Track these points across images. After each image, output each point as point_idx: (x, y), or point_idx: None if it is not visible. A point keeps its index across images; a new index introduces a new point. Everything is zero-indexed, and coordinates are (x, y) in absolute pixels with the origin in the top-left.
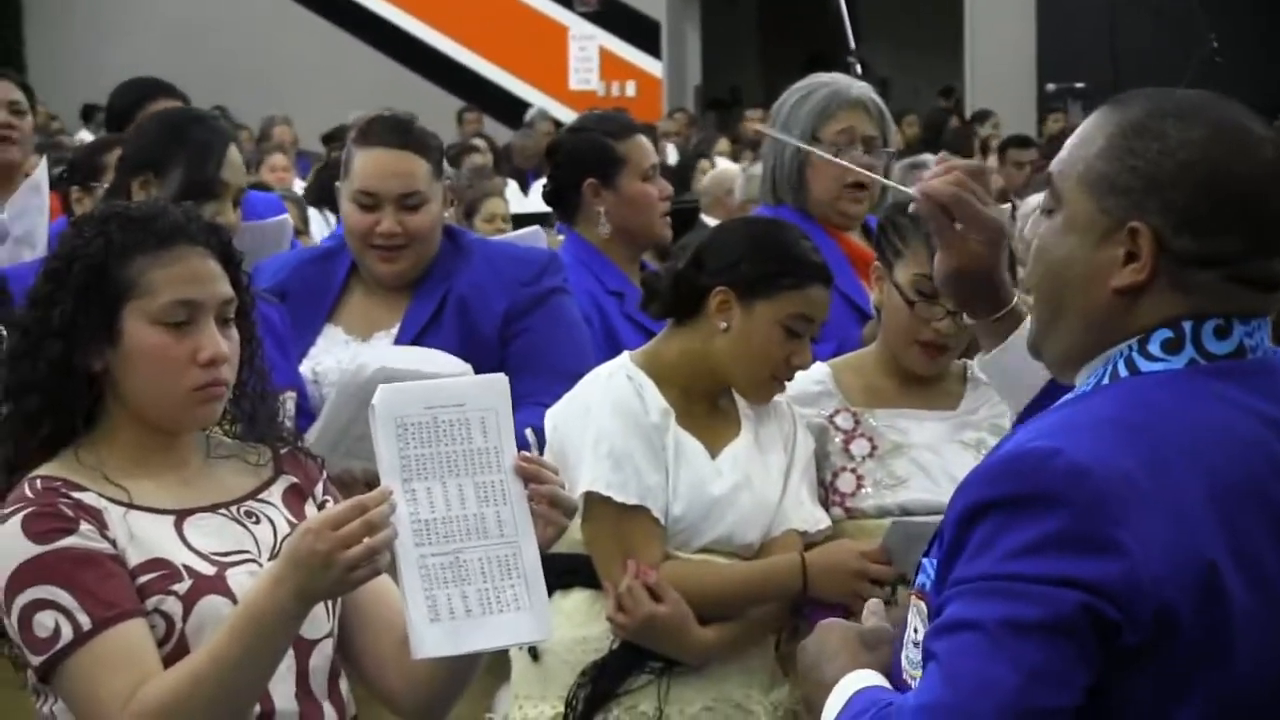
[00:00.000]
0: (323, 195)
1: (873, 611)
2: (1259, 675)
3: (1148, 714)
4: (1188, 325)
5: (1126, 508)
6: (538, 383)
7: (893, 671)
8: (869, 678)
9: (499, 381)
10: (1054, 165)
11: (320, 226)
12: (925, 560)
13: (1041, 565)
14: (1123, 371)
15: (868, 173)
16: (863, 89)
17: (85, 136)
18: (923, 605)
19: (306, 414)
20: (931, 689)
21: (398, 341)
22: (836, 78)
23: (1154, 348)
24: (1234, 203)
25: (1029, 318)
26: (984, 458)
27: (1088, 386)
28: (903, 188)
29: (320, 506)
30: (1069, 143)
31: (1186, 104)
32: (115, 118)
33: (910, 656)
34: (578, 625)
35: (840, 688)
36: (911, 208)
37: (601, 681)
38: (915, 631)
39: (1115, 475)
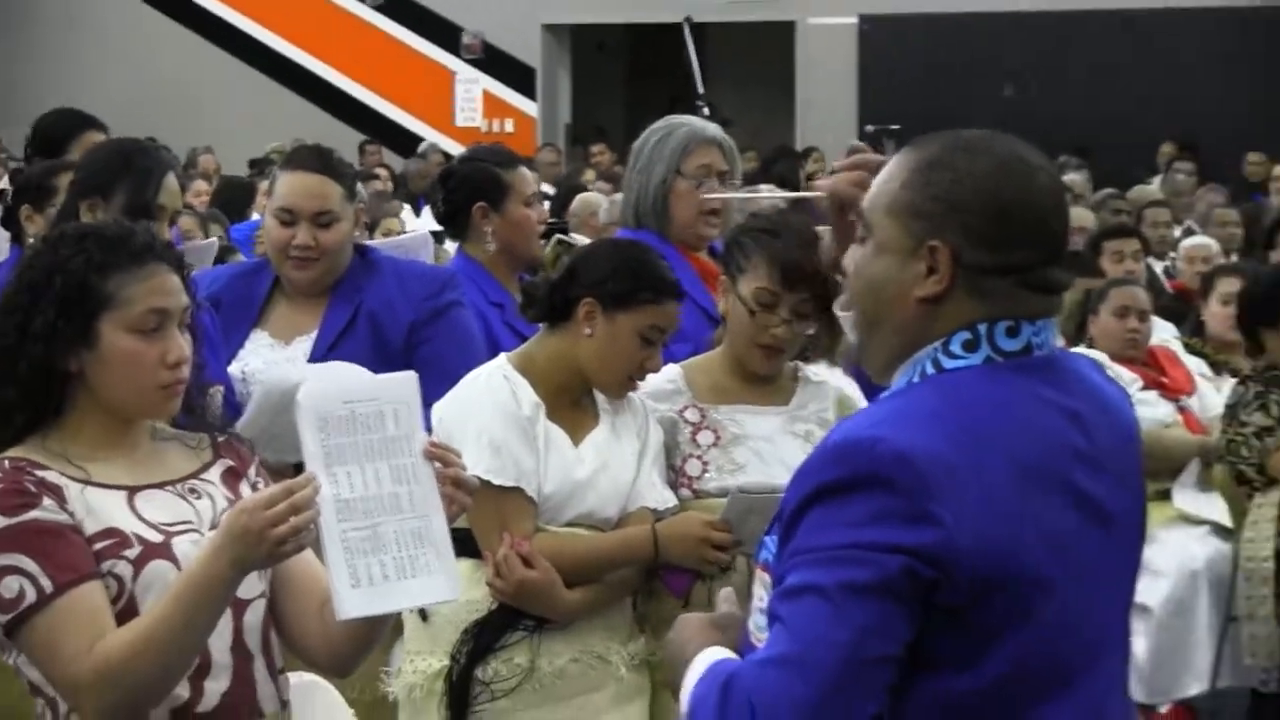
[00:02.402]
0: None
1: (725, 599)
2: (1060, 631)
3: (963, 662)
4: (983, 327)
5: (941, 486)
6: (439, 387)
7: (740, 644)
8: (720, 652)
9: (409, 378)
10: (865, 200)
11: None
12: (767, 538)
13: (871, 535)
14: (930, 370)
15: (772, 193)
16: (716, 129)
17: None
18: (766, 577)
19: (233, 406)
20: (777, 644)
21: (316, 345)
22: (692, 119)
23: (955, 347)
24: (1018, 221)
25: None
26: (815, 447)
27: (901, 385)
28: (807, 193)
29: (254, 487)
30: (876, 180)
31: (974, 141)
32: (47, 145)
33: (757, 621)
34: (462, 590)
35: (696, 663)
36: (816, 205)
37: (482, 638)
38: (760, 600)
39: (931, 458)
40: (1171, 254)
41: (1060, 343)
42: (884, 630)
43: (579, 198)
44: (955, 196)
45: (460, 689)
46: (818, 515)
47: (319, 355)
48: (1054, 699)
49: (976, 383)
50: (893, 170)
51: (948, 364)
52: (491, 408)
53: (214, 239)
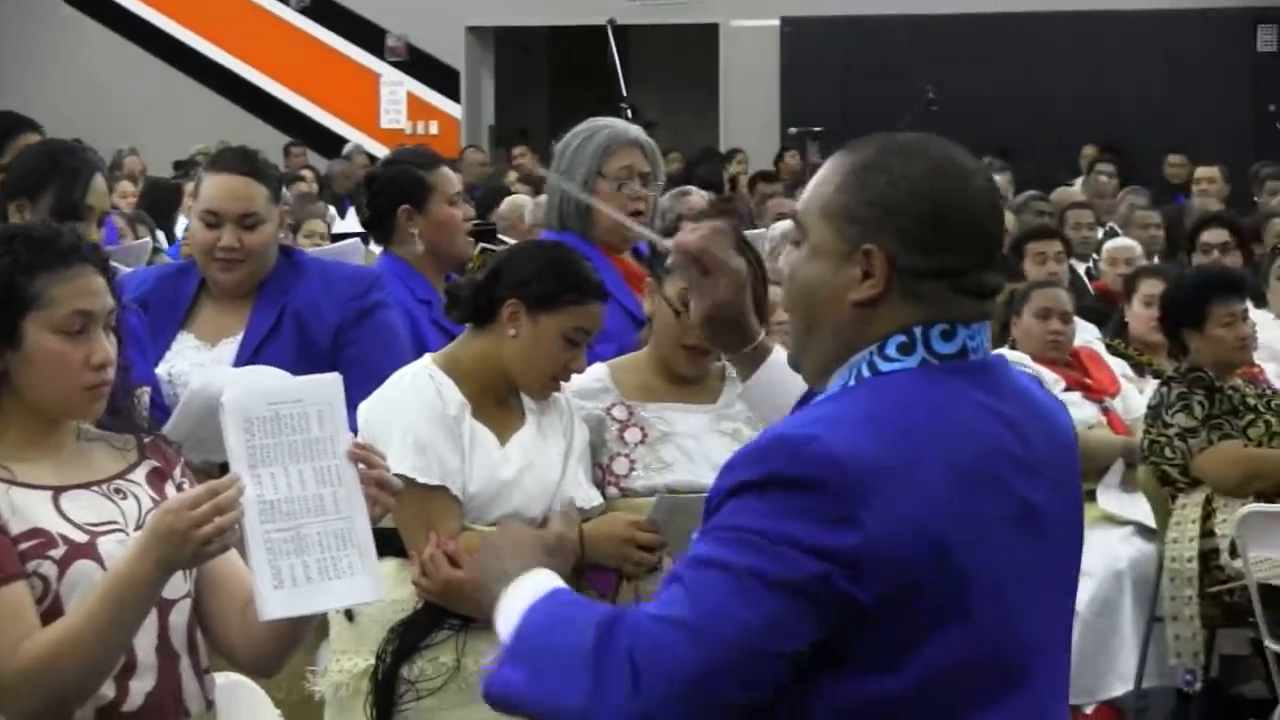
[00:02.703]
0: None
1: (558, 517)
2: (995, 633)
3: (877, 664)
4: (918, 330)
5: (869, 488)
6: (365, 388)
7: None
8: (554, 580)
9: (333, 380)
10: (799, 204)
11: None
12: (698, 534)
13: (791, 530)
14: (865, 373)
15: (643, 231)
16: (638, 131)
17: None
18: None
19: (160, 407)
20: (674, 604)
21: (242, 347)
22: (614, 121)
23: (890, 350)
24: (954, 225)
25: (776, 348)
26: (749, 441)
27: (836, 388)
28: (662, 240)
29: (179, 488)
30: (810, 184)
31: (909, 144)
32: None
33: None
34: (388, 589)
35: (523, 582)
36: (669, 260)
37: (408, 636)
38: None
39: (862, 461)
40: (1094, 255)
41: None
42: (782, 627)
43: (507, 200)
44: (890, 200)
45: (386, 688)
46: (743, 501)
47: (245, 357)
48: (991, 701)
49: (912, 386)
50: (827, 174)
51: (883, 367)
52: (417, 407)
53: (147, 239)
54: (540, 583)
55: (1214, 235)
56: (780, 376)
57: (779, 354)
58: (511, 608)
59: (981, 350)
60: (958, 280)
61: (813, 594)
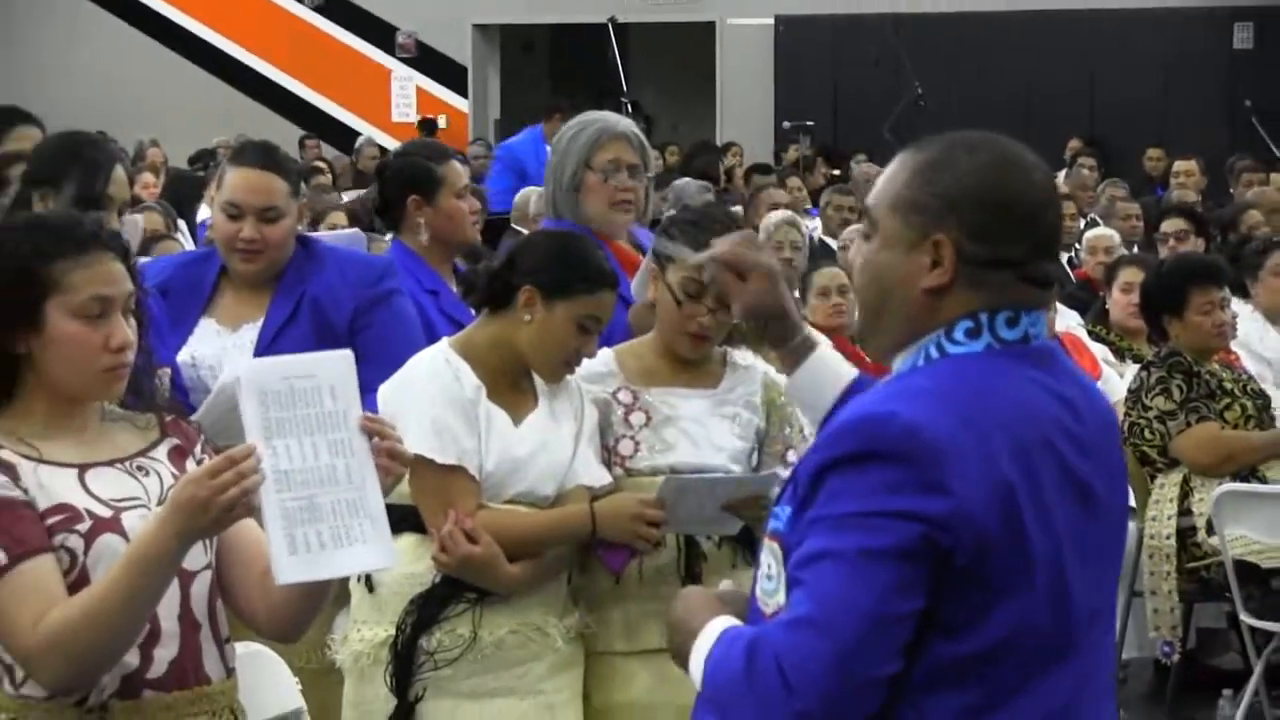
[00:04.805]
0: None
1: (726, 581)
2: (1052, 601)
3: (966, 626)
4: (984, 316)
5: (950, 457)
6: (381, 371)
7: (749, 614)
8: (731, 620)
9: (345, 356)
10: (869, 199)
11: None
12: (777, 508)
13: (888, 503)
14: (934, 354)
15: (677, 250)
16: (627, 124)
17: None
18: (775, 546)
19: (180, 389)
20: (800, 606)
21: (262, 332)
22: (605, 115)
23: (958, 335)
24: (1016, 217)
25: (822, 343)
26: (744, 426)
27: (905, 368)
28: (694, 255)
29: (199, 463)
30: (879, 180)
31: (975, 141)
32: None
33: (764, 588)
34: (407, 563)
35: (708, 630)
36: (705, 275)
37: (426, 609)
38: (769, 567)
39: (941, 431)
40: (1075, 245)
41: None
42: (900, 592)
43: (520, 193)
44: (956, 193)
45: (405, 658)
46: (834, 484)
47: (264, 342)
48: (1043, 670)
49: (979, 367)
50: (895, 170)
51: (951, 349)
52: (434, 390)
53: (139, 217)
54: (718, 625)
55: (1171, 225)
56: (824, 370)
57: (825, 348)
58: (699, 653)
59: (1042, 336)
60: (1020, 269)
61: (919, 554)
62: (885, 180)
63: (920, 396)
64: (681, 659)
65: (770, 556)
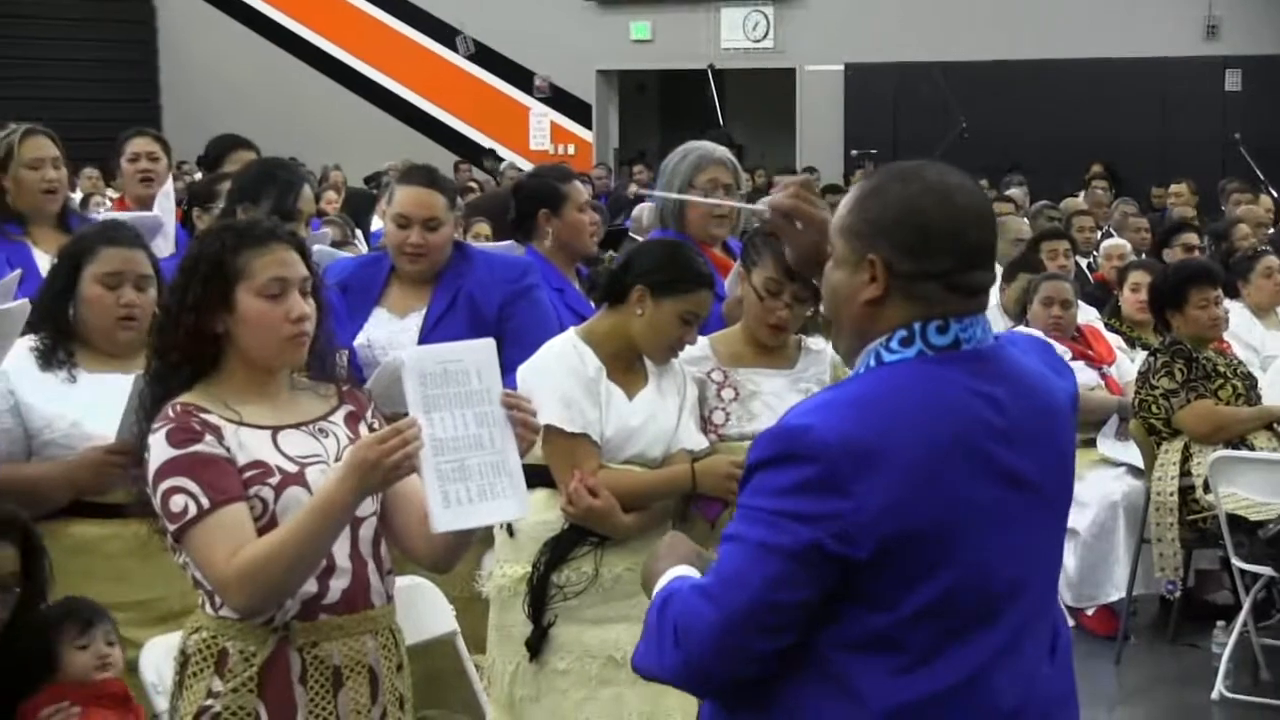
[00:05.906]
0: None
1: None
2: (978, 575)
3: (881, 601)
4: (917, 326)
5: (855, 466)
6: (523, 354)
7: None
8: (683, 570)
9: (488, 343)
10: (831, 224)
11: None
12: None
13: (792, 505)
14: (873, 362)
15: (736, 203)
16: (723, 151)
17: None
18: None
19: (356, 367)
20: (708, 576)
21: (425, 321)
22: (705, 143)
23: (894, 344)
24: (936, 234)
25: None
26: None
27: (853, 374)
28: (753, 206)
29: (371, 428)
30: (838, 207)
31: (908, 171)
32: (209, 159)
33: None
34: (540, 512)
35: (667, 574)
36: (765, 216)
37: (557, 550)
38: None
39: (848, 442)
40: (1094, 252)
41: (1008, 324)
42: (786, 584)
43: (636, 209)
44: (886, 218)
45: (539, 590)
46: (756, 480)
47: (428, 328)
48: (967, 636)
49: (907, 373)
50: (846, 199)
51: (887, 357)
52: (564, 370)
53: (157, 213)
54: (670, 574)
55: (1183, 239)
56: None
57: None
58: (652, 595)
59: (975, 340)
60: (947, 279)
61: (806, 557)
62: (839, 209)
63: (841, 407)
64: (647, 592)
65: None
